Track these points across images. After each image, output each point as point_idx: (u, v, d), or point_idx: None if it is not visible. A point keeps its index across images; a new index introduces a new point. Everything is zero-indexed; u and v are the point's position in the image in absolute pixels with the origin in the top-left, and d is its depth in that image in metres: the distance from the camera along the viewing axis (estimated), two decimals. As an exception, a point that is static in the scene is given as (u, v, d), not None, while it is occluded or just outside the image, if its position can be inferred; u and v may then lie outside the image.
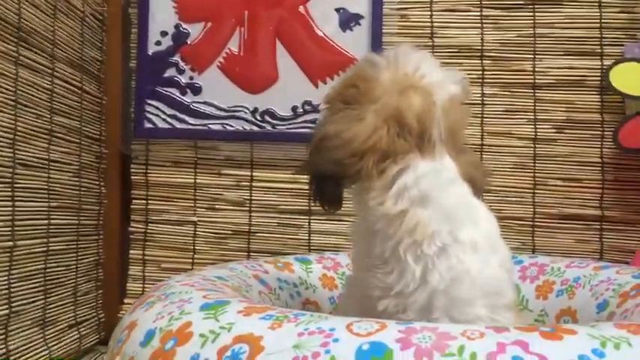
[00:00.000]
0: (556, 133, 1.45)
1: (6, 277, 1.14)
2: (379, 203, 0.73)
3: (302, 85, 1.50)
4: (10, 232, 1.15)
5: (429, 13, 1.50)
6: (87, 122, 1.46)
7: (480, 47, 1.48)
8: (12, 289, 1.15)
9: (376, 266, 0.75)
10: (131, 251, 1.57)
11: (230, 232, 1.54)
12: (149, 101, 1.54)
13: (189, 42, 1.53)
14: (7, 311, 1.14)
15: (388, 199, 0.72)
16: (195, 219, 1.55)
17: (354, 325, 0.58)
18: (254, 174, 1.54)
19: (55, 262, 1.31)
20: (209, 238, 1.55)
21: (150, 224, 1.56)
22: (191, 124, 1.53)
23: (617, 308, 0.87)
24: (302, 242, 1.52)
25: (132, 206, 1.57)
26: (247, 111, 1.52)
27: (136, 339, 0.70)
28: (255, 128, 1.51)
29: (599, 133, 1.43)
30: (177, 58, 1.53)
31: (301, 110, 1.50)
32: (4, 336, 1.13)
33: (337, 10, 1.50)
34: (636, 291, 0.87)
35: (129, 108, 1.57)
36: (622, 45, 1.41)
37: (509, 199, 1.46)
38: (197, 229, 1.55)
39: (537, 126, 1.46)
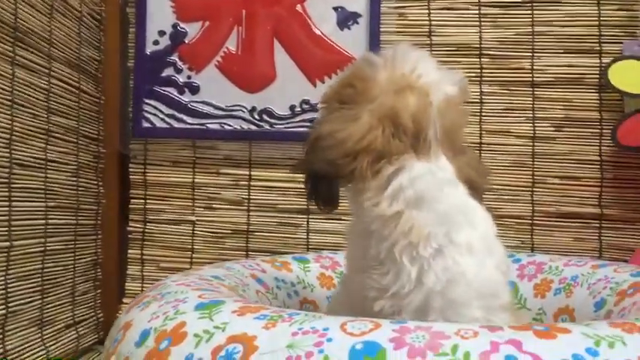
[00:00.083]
0: (555, 131, 1.45)
1: (3, 277, 1.14)
2: (374, 204, 0.73)
3: (300, 84, 1.49)
4: (7, 232, 1.15)
5: (427, 11, 1.49)
6: (85, 122, 1.46)
7: (478, 45, 1.48)
8: (9, 289, 1.16)
9: (372, 267, 0.75)
10: (129, 251, 1.57)
11: (228, 231, 1.54)
12: (147, 101, 1.53)
13: (187, 41, 1.53)
14: (4, 311, 1.14)
15: (383, 200, 0.72)
16: (193, 218, 1.55)
17: (348, 325, 0.58)
18: (252, 173, 1.54)
19: (52, 262, 1.31)
20: (207, 238, 1.55)
21: (148, 224, 1.56)
22: (189, 124, 1.53)
23: (615, 307, 0.87)
24: (300, 241, 1.52)
25: (130, 206, 1.57)
26: (245, 110, 1.51)
27: (131, 339, 0.70)
28: (254, 127, 1.51)
29: (597, 131, 1.43)
30: (175, 57, 1.53)
31: (299, 109, 1.50)
32: (1, 336, 1.13)
33: (335, 8, 1.49)
34: (634, 289, 0.87)
35: (127, 107, 1.57)
36: (621, 43, 1.41)
37: (507, 197, 1.46)
38: (195, 229, 1.55)
39: (536, 124, 1.45)
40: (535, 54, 1.46)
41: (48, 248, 1.29)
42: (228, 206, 1.55)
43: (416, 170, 0.72)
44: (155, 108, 1.53)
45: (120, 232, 1.57)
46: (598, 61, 1.43)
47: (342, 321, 0.59)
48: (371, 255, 0.75)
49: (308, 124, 1.45)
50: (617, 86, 1.34)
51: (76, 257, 1.41)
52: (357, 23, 1.49)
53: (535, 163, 1.45)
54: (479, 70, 1.47)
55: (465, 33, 1.48)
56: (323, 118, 0.77)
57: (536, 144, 1.45)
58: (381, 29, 1.49)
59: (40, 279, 1.26)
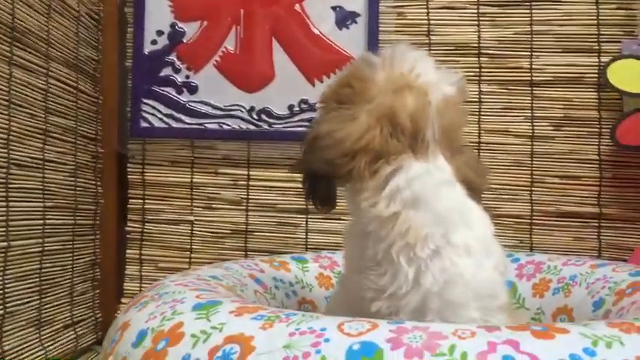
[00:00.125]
0: (553, 130, 1.45)
1: (1, 278, 1.14)
2: (371, 205, 0.72)
3: (298, 83, 1.49)
4: (4, 233, 1.15)
5: (426, 10, 1.49)
6: (83, 122, 1.45)
7: (476, 45, 1.48)
8: (6, 290, 1.15)
9: (369, 268, 0.75)
10: (128, 251, 1.57)
11: (227, 231, 1.54)
12: (145, 100, 1.53)
13: (185, 41, 1.53)
14: (1, 312, 1.14)
15: (381, 200, 0.72)
16: (192, 218, 1.55)
17: (345, 325, 0.57)
18: (251, 173, 1.53)
19: (50, 262, 1.31)
20: (206, 238, 1.55)
21: (147, 224, 1.56)
22: (187, 124, 1.52)
23: (613, 306, 0.87)
24: (299, 241, 1.52)
25: (129, 206, 1.57)
26: (244, 110, 1.51)
27: (129, 339, 0.70)
28: (252, 127, 1.51)
29: (596, 130, 1.43)
30: (173, 57, 1.53)
31: (298, 109, 1.50)
32: (-1, 337, 1.13)
33: (333, 8, 1.49)
34: (632, 289, 0.87)
35: (125, 107, 1.57)
36: (619, 42, 1.41)
37: (506, 196, 1.46)
38: (194, 229, 1.55)
39: (535, 123, 1.45)
40: (534, 53, 1.46)
41: (46, 248, 1.29)
42: (227, 206, 1.54)
43: (413, 170, 0.72)
44: (153, 108, 1.53)
45: (118, 232, 1.57)
46: (597, 60, 1.43)
47: (340, 321, 0.58)
48: (368, 255, 0.75)
49: (307, 123, 1.45)
50: (616, 85, 1.34)
51: (75, 257, 1.41)
52: (356, 23, 1.48)
53: (534, 162, 1.45)
54: (477, 70, 1.47)
55: (464, 32, 1.48)
56: (321, 117, 0.77)
57: (535, 143, 1.45)
58: (380, 29, 1.48)
59: (38, 279, 1.26)
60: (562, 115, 1.44)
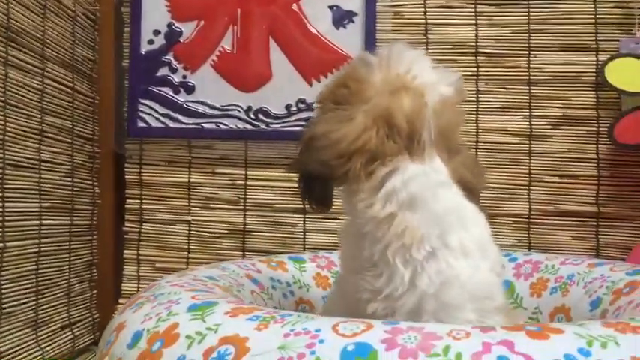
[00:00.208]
0: (551, 129, 1.45)
1: (-3, 278, 1.14)
2: (367, 206, 0.72)
3: (296, 83, 1.49)
4: (0, 233, 1.14)
5: (423, 10, 1.49)
6: (79, 122, 1.45)
7: (474, 44, 1.47)
8: (3, 290, 1.15)
9: (365, 269, 0.75)
10: (125, 251, 1.56)
11: (225, 231, 1.54)
12: (142, 100, 1.53)
13: (182, 41, 1.53)
14: (-2, 312, 1.14)
15: (377, 201, 0.72)
16: (189, 218, 1.55)
17: (340, 326, 0.57)
18: (248, 173, 1.53)
19: (47, 263, 1.30)
20: (204, 238, 1.55)
21: (144, 224, 1.56)
22: (184, 123, 1.52)
23: (610, 305, 0.87)
24: (297, 241, 1.52)
25: (126, 206, 1.56)
26: (241, 109, 1.51)
27: (124, 340, 0.70)
28: (249, 127, 1.51)
29: (594, 129, 1.43)
30: (170, 56, 1.53)
31: (295, 108, 1.49)
32: (-5, 337, 1.13)
33: (330, 7, 1.49)
34: (629, 288, 0.87)
35: (122, 107, 1.57)
36: (617, 40, 1.41)
37: (504, 196, 1.45)
38: (191, 229, 1.55)
39: (532, 122, 1.45)
40: (531, 52, 1.45)
41: (43, 249, 1.28)
42: (225, 206, 1.54)
43: (410, 172, 0.71)
44: (150, 108, 1.53)
45: (116, 232, 1.57)
46: (594, 58, 1.43)
47: (335, 322, 0.58)
48: (364, 256, 0.75)
49: (304, 123, 1.45)
50: (614, 84, 1.34)
51: (72, 258, 1.41)
52: (353, 22, 1.48)
53: (532, 161, 1.45)
54: (475, 69, 1.47)
55: (461, 31, 1.48)
56: (317, 118, 0.77)
57: (532, 142, 1.45)
58: (377, 28, 1.48)
59: (34, 280, 1.26)
60: (560, 114, 1.44)
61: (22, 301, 1.21)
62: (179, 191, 1.55)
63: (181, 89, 1.52)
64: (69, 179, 1.40)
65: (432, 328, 0.55)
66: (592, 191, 1.43)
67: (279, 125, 1.50)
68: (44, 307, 1.29)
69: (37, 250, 1.26)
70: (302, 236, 1.51)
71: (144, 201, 1.56)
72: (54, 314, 1.33)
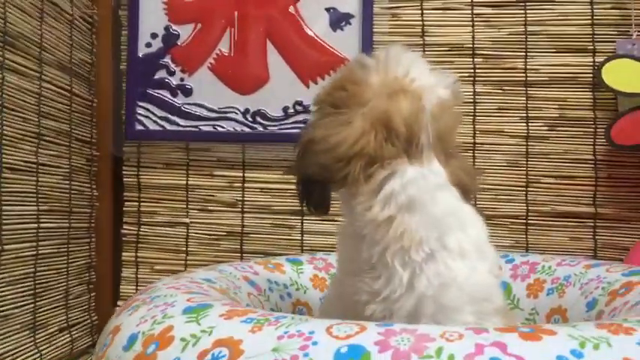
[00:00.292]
0: (548, 130, 1.45)
1: (-6, 281, 1.14)
2: (366, 209, 0.72)
3: (293, 85, 1.49)
4: (-3, 236, 1.15)
5: (420, 11, 1.49)
6: (77, 125, 1.45)
7: (471, 45, 1.48)
8: (0, 293, 1.15)
9: (363, 271, 0.75)
10: (124, 253, 1.56)
11: (223, 233, 1.54)
12: (140, 103, 1.53)
13: (179, 43, 1.53)
14: (-4, 315, 1.14)
15: (375, 204, 0.72)
16: (187, 220, 1.55)
17: (333, 328, 0.57)
18: (246, 175, 1.53)
19: (45, 266, 1.30)
20: (202, 240, 1.55)
21: (142, 226, 1.56)
22: (182, 126, 1.52)
23: (606, 307, 0.87)
24: (295, 243, 1.52)
25: (124, 208, 1.56)
26: (238, 112, 1.51)
27: (119, 343, 0.70)
28: (247, 129, 1.51)
29: (591, 130, 1.43)
30: (167, 59, 1.53)
31: (292, 111, 1.49)
32: (-7, 340, 1.13)
33: (327, 9, 1.49)
34: (625, 289, 0.87)
35: (120, 110, 1.57)
36: (614, 41, 1.41)
37: (501, 197, 1.45)
38: (189, 231, 1.55)
39: (529, 124, 1.45)
40: (528, 53, 1.46)
41: (40, 252, 1.28)
42: (223, 208, 1.54)
43: (408, 175, 0.71)
44: (148, 110, 1.53)
45: (114, 234, 1.57)
46: (591, 60, 1.43)
47: (329, 324, 0.58)
48: (362, 258, 0.75)
49: (301, 125, 1.45)
50: (611, 85, 1.34)
51: (70, 260, 1.41)
52: (350, 24, 1.48)
53: (529, 162, 1.45)
54: (472, 70, 1.47)
55: (458, 33, 1.48)
56: (315, 121, 0.77)
57: (530, 143, 1.45)
58: (374, 30, 1.48)
59: (32, 282, 1.26)
60: (557, 115, 1.44)
61: (19, 303, 1.21)
62: (177, 194, 1.55)
63: (179, 92, 1.53)
64: (67, 182, 1.40)
65: (425, 330, 0.55)
66: (589, 192, 1.43)
67: (276, 127, 1.50)
68: (42, 309, 1.29)
69: (34, 252, 1.26)
70: (300, 238, 1.52)
71: (142, 203, 1.56)
72: (52, 317, 1.33)
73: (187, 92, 1.52)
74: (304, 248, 1.51)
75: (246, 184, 1.53)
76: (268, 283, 1.07)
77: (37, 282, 1.27)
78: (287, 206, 1.51)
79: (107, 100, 1.56)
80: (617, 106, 1.39)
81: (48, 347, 1.30)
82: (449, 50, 1.48)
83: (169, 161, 1.55)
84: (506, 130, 1.46)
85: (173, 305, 0.72)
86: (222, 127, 1.51)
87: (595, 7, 1.43)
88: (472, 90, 1.46)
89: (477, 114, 1.47)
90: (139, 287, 1.54)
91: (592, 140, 1.43)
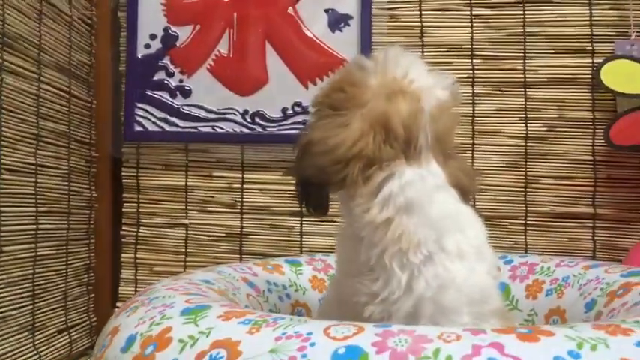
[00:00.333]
0: (547, 131, 1.45)
1: (-7, 282, 1.14)
2: (365, 211, 0.72)
3: (292, 86, 1.49)
4: (-4, 238, 1.15)
5: (419, 12, 1.49)
6: (76, 126, 1.45)
7: (470, 46, 1.48)
8: (-1, 295, 1.16)
9: (362, 272, 0.75)
10: (123, 254, 1.56)
11: (222, 234, 1.54)
12: (139, 104, 1.53)
13: (178, 45, 1.53)
14: (-5, 316, 1.14)
15: (374, 206, 0.71)
16: (186, 222, 1.55)
17: (331, 329, 0.57)
18: (245, 176, 1.53)
19: (44, 267, 1.30)
20: (201, 241, 1.55)
21: (141, 227, 1.56)
22: (181, 127, 1.52)
23: (605, 307, 0.87)
24: (294, 244, 1.52)
25: (123, 209, 1.57)
26: (237, 113, 1.51)
27: (118, 344, 0.70)
28: (246, 130, 1.51)
29: (590, 130, 1.43)
30: (166, 61, 1.53)
31: (291, 112, 1.50)
32: (-8, 341, 1.13)
33: (326, 10, 1.49)
34: (623, 290, 0.87)
35: (119, 111, 1.57)
36: (612, 42, 1.41)
37: (500, 198, 1.45)
38: (189, 232, 1.55)
39: (528, 124, 1.45)
40: (527, 54, 1.46)
41: (39, 253, 1.28)
42: (222, 209, 1.54)
43: (406, 177, 0.71)
44: (147, 112, 1.53)
45: (113, 236, 1.57)
46: (590, 60, 1.43)
47: (326, 325, 0.58)
48: (361, 260, 0.74)
49: (300, 126, 1.45)
50: (610, 86, 1.34)
51: (69, 262, 1.41)
52: (349, 25, 1.49)
53: (528, 163, 1.45)
54: (471, 71, 1.47)
55: (457, 34, 1.48)
56: (313, 123, 0.77)
57: (528, 144, 1.45)
58: (373, 31, 1.48)
59: (31, 284, 1.26)
60: (556, 116, 1.44)
61: (18, 305, 1.21)
62: (176, 195, 1.55)
63: (178, 93, 1.53)
64: (66, 183, 1.40)
65: (423, 330, 0.55)
66: (588, 193, 1.43)
67: (275, 129, 1.50)
68: (41, 311, 1.29)
69: (33, 254, 1.27)
70: (299, 239, 1.52)
71: (141, 205, 1.56)
72: (51, 318, 1.33)
73: (186, 93, 1.52)
74: (303, 249, 1.51)
75: (245, 185, 1.53)
76: (267, 284, 1.07)
77: (35, 283, 1.27)
78: (286, 207, 1.51)
79: (106, 102, 1.56)
80: (616, 106, 1.39)
81: (47, 348, 1.30)
82: (447, 51, 1.48)
83: (168, 162, 1.56)
84: (505, 131, 1.46)
85: (171, 306, 0.72)
86: (221, 129, 1.51)
87: (593, 8, 1.43)
88: (471, 91, 1.47)
89: (476, 115, 1.47)
90: (138, 288, 1.54)
91: (591, 141, 1.43)
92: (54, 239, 1.35)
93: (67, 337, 1.39)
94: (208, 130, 1.52)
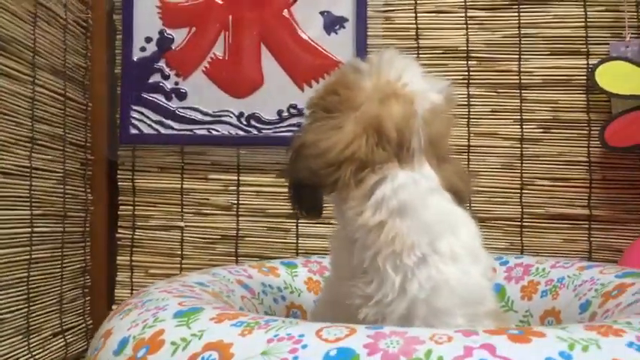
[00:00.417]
0: (542, 132, 1.45)
1: (-13, 286, 1.14)
2: (357, 213, 0.72)
3: (287, 88, 1.49)
4: (-10, 241, 1.15)
5: (414, 14, 1.49)
6: (71, 129, 1.45)
7: (465, 48, 1.48)
8: (-7, 298, 1.15)
9: (356, 275, 0.75)
10: (118, 257, 1.56)
11: (218, 236, 1.54)
12: (134, 107, 1.53)
13: (173, 47, 1.53)
14: (-11, 320, 1.13)
15: (367, 209, 0.71)
16: (182, 224, 1.55)
17: (323, 331, 0.57)
18: (241, 178, 1.53)
19: (38, 270, 1.30)
20: (197, 243, 1.54)
21: (137, 230, 1.56)
22: (177, 130, 1.52)
23: (599, 308, 0.87)
24: (290, 246, 1.52)
25: (119, 212, 1.56)
26: (233, 115, 1.51)
27: (111, 347, 0.70)
28: (241, 133, 1.51)
29: (585, 132, 1.43)
30: (162, 63, 1.53)
31: (287, 114, 1.50)
32: (-14, 345, 1.13)
33: (321, 13, 1.49)
34: (618, 291, 0.87)
35: (114, 114, 1.57)
36: (607, 44, 1.41)
37: (496, 199, 1.45)
38: (184, 235, 1.55)
39: (524, 126, 1.45)
40: (522, 56, 1.46)
41: (34, 256, 1.28)
42: (218, 212, 1.54)
43: (399, 180, 0.71)
44: (142, 114, 1.53)
45: (108, 238, 1.57)
46: (585, 62, 1.43)
47: (318, 327, 0.58)
48: (355, 263, 0.75)
49: (296, 128, 1.45)
50: (605, 87, 1.34)
51: (64, 265, 1.41)
52: (344, 27, 1.49)
53: (523, 164, 1.45)
54: (466, 73, 1.47)
55: (452, 36, 1.48)
56: (307, 125, 0.77)
57: (524, 146, 1.45)
58: (368, 33, 1.49)
59: (26, 287, 1.26)
60: (551, 117, 1.44)
61: (13, 308, 1.21)
62: (172, 197, 1.55)
63: (173, 96, 1.53)
64: (61, 186, 1.40)
65: (415, 332, 0.55)
66: (584, 194, 1.43)
67: (271, 131, 1.50)
68: (36, 314, 1.29)
69: (28, 257, 1.26)
70: (295, 241, 1.51)
71: (137, 207, 1.56)
72: (46, 321, 1.33)
73: (182, 96, 1.52)
74: (299, 251, 1.50)
75: (240, 188, 1.53)
76: (262, 286, 1.07)
77: (30, 286, 1.27)
78: (282, 209, 1.51)
79: (102, 104, 1.56)
80: (611, 108, 1.39)
81: (42, 352, 1.30)
82: (443, 53, 1.48)
83: (164, 165, 1.55)
84: (500, 133, 1.46)
85: (164, 309, 0.72)
86: (217, 131, 1.51)
87: (588, 9, 1.43)
88: (466, 93, 1.47)
89: (471, 116, 1.47)
90: (133, 291, 1.54)
91: (586, 142, 1.43)
92: (49, 242, 1.35)
93: (62, 340, 1.39)
94: (204, 132, 1.52)
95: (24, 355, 1.24)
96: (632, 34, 1.39)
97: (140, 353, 0.64)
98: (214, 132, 1.51)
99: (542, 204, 1.44)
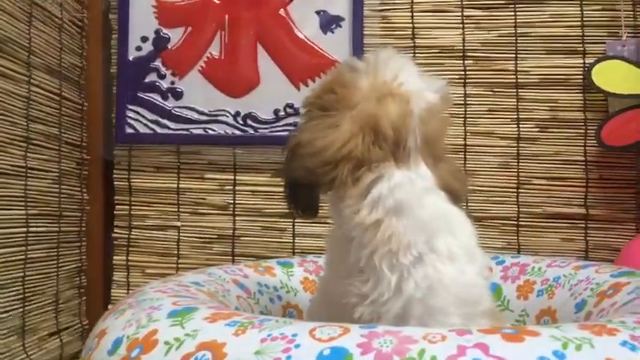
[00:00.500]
0: (539, 132, 1.45)
1: (-18, 286, 1.13)
2: (354, 212, 0.72)
3: (284, 88, 1.49)
4: (-15, 241, 1.14)
5: (410, 14, 1.49)
6: (67, 129, 1.45)
7: (461, 47, 1.48)
8: (-12, 298, 1.15)
9: (352, 274, 0.74)
10: (115, 257, 1.56)
11: (214, 236, 1.54)
12: (130, 107, 1.53)
13: (169, 47, 1.53)
14: (-17, 320, 1.13)
15: (363, 208, 0.71)
16: (178, 224, 1.54)
17: (316, 331, 0.57)
18: (237, 177, 1.53)
19: (34, 270, 1.30)
20: (193, 243, 1.54)
21: (133, 230, 1.55)
22: (173, 129, 1.52)
23: (594, 308, 0.87)
24: (286, 245, 1.51)
25: (115, 212, 1.56)
26: (229, 115, 1.51)
27: (105, 347, 0.70)
28: (238, 132, 1.51)
29: (582, 131, 1.43)
30: (158, 63, 1.53)
31: (283, 113, 1.49)
32: (-19, 345, 1.12)
33: (318, 12, 1.49)
34: (613, 290, 0.87)
35: (110, 114, 1.57)
36: (604, 43, 1.41)
37: (493, 198, 1.45)
38: (181, 234, 1.54)
39: (520, 125, 1.45)
40: (519, 55, 1.46)
41: (29, 256, 1.28)
42: (214, 211, 1.54)
43: (395, 179, 0.71)
44: (138, 114, 1.53)
45: (104, 238, 1.56)
46: (582, 61, 1.43)
47: (312, 327, 0.58)
48: (351, 262, 0.74)
49: (292, 128, 1.45)
50: (601, 87, 1.34)
51: (60, 264, 1.40)
52: (340, 26, 1.48)
53: (520, 164, 1.45)
54: (463, 72, 1.47)
55: (449, 35, 1.48)
56: (303, 124, 0.77)
57: (520, 145, 1.45)
58: (365, 32, 1.48)
59: (21, 287, 1.25)
60: (548, 116, 1.45)
61: (8, 308, 1.21)
62: (168, 197, 1.55)
63: (169, 95, 1.52)
64: (56, 186, 1.39)
65: (408, 332, 0.55)
66: (580, 193, 1.43)
67: (267, 130, 1.50)
68: (31, 314, 1.29)
69: (23, 257, 1.26)
70: (291, 240, 1.51)
71: (133, 207, 1.55)
72: (41, 321, 1.33)
73: (178, 95, 1.52)
74: (295, 251, 1.50)
75: (237, 187, 1.53)
76: (258, 285, 1.07)
77: (26, 286, 1.27)
78: (278, 209, 1.51)
79: (97, 104, 1.56)
80: (608, 107, 1.39)
81: (38, 351, 1.30)
82: (439, 52, 1.48)
83: (160, 164, 1.55)
84: (497, 132, 1.46)
85: (159, 309, 0.71)
86: (213, 130, 1.51)
87: (585, 8, 1.43)
88: (463, 92, 1.47)
89: (468, 116, 1.47)
90: (130, 291, 1.53)
91: (583, 141, 1.43)
92: (45, 242, 1.34)
93: (58, 340, 1.38)
94: (200, 132, 1.51)
95: (19, 355, 1.23)
96: (628, 33, 1.39)
97: (134, 353, 0.64)
98: (210, 131, 1.51)
99: (538, 203, 1.44)
